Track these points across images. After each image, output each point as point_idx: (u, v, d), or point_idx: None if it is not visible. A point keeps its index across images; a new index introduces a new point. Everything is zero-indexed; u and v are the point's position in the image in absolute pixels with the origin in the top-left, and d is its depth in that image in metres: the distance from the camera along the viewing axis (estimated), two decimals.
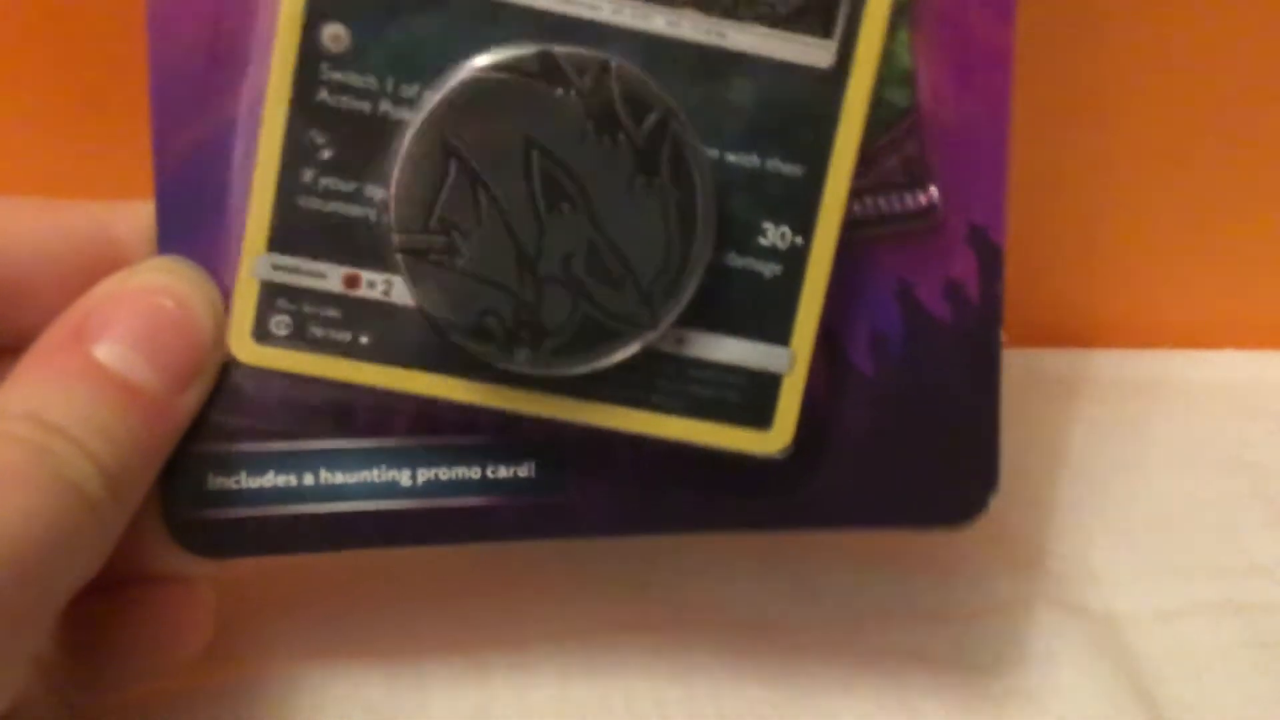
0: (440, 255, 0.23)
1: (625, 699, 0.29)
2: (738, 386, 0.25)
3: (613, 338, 0.24)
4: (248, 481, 0.26)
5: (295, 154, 0.24)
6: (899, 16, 0.25)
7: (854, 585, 0.32)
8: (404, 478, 0.26)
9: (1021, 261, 0.37)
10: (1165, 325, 0.40)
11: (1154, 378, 0.39)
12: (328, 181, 0.24)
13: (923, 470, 0.27)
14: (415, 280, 0.24)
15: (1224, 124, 0.37)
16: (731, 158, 0.24)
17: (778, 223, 0.24)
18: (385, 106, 0.24)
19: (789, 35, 0.24)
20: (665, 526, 0.27)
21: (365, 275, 0.24)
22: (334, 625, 0.30)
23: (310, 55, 0.23)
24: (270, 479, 0.26)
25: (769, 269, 0.25)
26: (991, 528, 0.33)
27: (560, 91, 0.23)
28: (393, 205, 0.23)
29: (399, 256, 0.24)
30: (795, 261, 0.25)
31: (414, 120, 0.23)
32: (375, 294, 0.24)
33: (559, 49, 0.23)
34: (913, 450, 0.27)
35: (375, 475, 0.26)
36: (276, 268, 0.24)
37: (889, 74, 0.25)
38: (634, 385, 0.25)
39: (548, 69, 0.23)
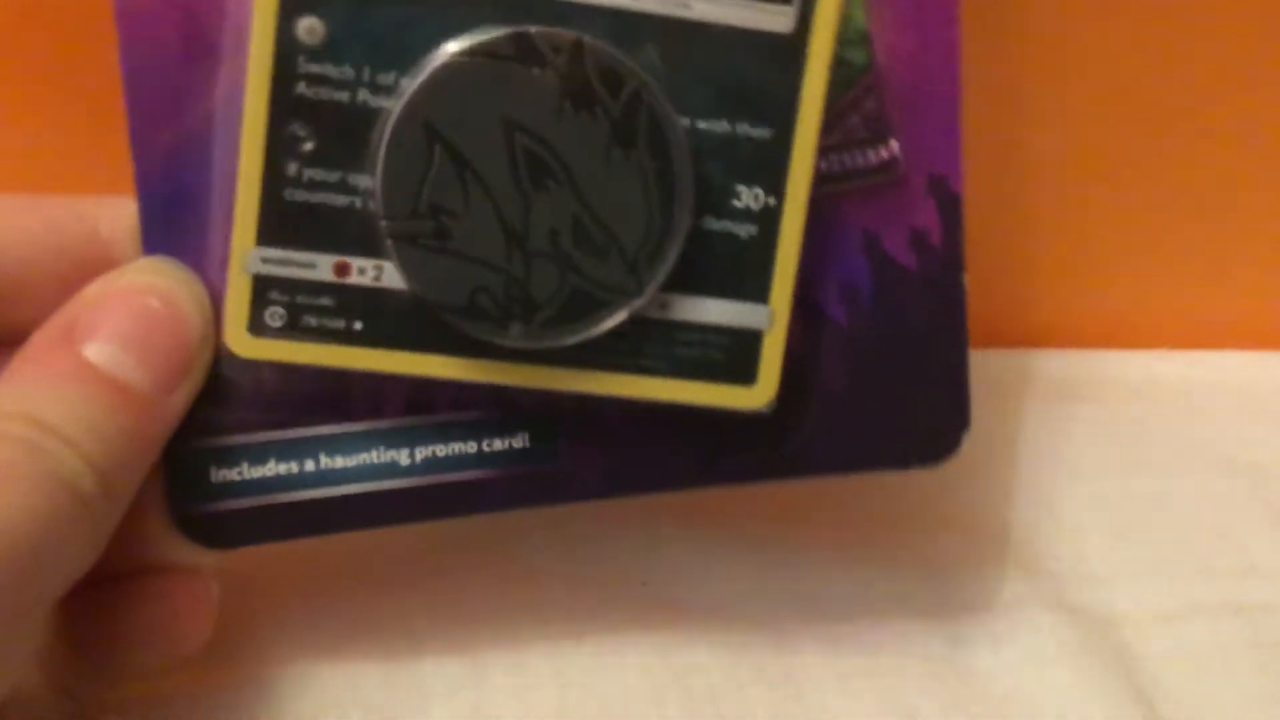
0: (430, 239, 0.24)
1: (624, 699, 0.29)
2: (721, 346, 0.26)
3: (601, 307, 0.25)
4: (249, 472, 0.26)
5: (278, 148, 0.24)
6: None
7: (852, 585, 0.32)
8: (402, 457, 0.26)
9: (1021, 262, 0.38)
10: (1165, 326, 0.40)
11: (1153, 378, 0.38)
12: (312, 173, 0.24)
13: (898, 414, 0.28)
14: (406, 265, 0.24)
15: (1223, 124, 0.37)
16: (703, 125, 0.25)
17: (750, 185, 0.25)
18: (364, 95, 0.24)
19: (750, 3, 0.25)
20: (659, 486, 0.27)
21: (355, 263, 0.25)
22: (332, 625, 0.30)
23: (287, 49, 0.24)
24: (271, 467, 0.26)
25: (745, 230, 0.25)
26: (990, 527, 0.34)
27: (536, 71, 0.24)
28: (379, 193, 0.24)
29: (389, 243, 0.24)
30: (769, 221, 0.25)
31: (394, 108, 0.24)
32: (366, 280, 0.25)
33: (533, 29, 0.24)
34: (888, 395, 0.28)
35: (374, 456, 0.26)
36: (267, 261, 0.24)
37: (846, 35, 0.26)
38: (622, 351, 0.26)
39: (523, 49, 0.24)
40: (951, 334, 0.28)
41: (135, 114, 0.25)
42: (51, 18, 0.32)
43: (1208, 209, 0.38)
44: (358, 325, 0.25)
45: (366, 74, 0.24)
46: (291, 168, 0.24)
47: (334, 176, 0.24)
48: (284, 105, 0.24)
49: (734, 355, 0.26)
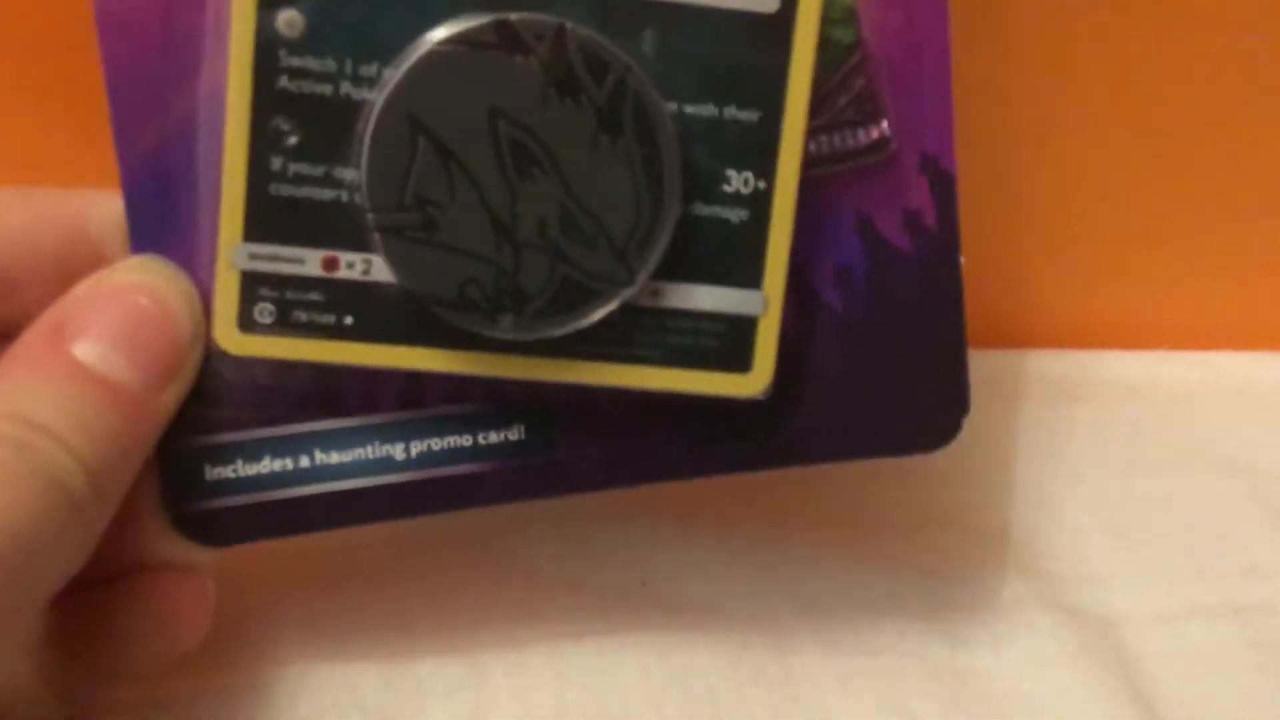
0: (417, 231, 0.24)
1: (622, 699, 0.29)
2: (715, 333, 0.26)
3: (592, 297, 0.25)
4: (244, 469, 0.26)
5: (262, 143, 0.24)
6: None
7: (852, 585, 0.32)
8: (397, 451, 0.26)
9: (1020, 262, 0.38)
10: (1164, 326, 0.39)
11: (1152, 379, 0.38)
12: (297, 167, 0.24)
13: (896, 399, 0.28)
14: (394, 258, 0.24)
15: (1223, 124, 0.37)
16: (690, 109, 0.25)
17: (740, 169, 0.25)
18: (347, 88, 0.24)
19: None
20: (656, 476, 0.27)
21: (343, 257, 0.24)
22: (330, 627, 0.30)
23: (267, 43, 0.23)
24: (266, 464, 0.26)
25: (735, 215, 0.25)
26: (990, 528, 0.34)
27: (519, 59, 0.23)
28: (365, 186, 0.24)
29: (376, 236, 0.24)
30: (760, 206, 0.25)
31: (377, 100, 0.24)
32: (355, 274, 0.25)
33: (514, 16, 0.23)
34: (885, 380, 0.27)
35: (369, 451, 0.26)
36: (254, 257, 0.24)
37: (832, 13, 0.26)
38: (615, 341, 0.25)
39: (505, 37, 0.23)
40: (949, 317, 0.27)
41: (118, 112, 0.25)
42: (39, 13, 0.32)
43: (1207, 209, 0.38)
44: (348, 320, 0.25)
45: (348, 66, 0.24)
46: (276, 162, 0.24)
47: (319, 170, 0.24)
48: (266, 100, 0.24)
49: (728, 342, 0.26)
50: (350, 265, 0.25)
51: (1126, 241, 0.39)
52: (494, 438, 0.26)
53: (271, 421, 0.26)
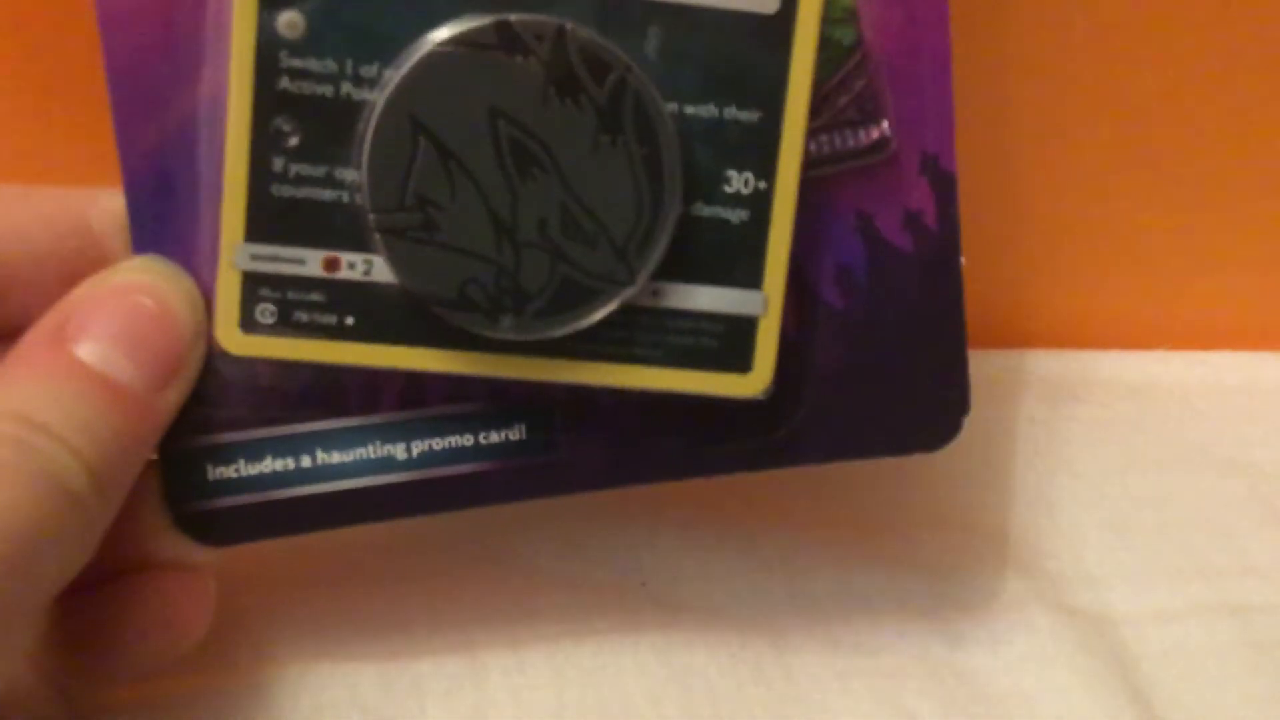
0: (418, 232, 0.24)
1: (622, 699, 0.29)
2: (715, 333, 0.26)
3: (592, 297, 0.25)
4: (246, 468, 0.26)
5: (263, 143, 0.24)
6: None
7: (850, 585, 0.32)
8: (399, 451, 0.26)
9: (1020, 262, 0.38)
10: (1163, 326, 0.40)
11: (1151, 379, 0.38)
12: (298, 168, 0.24)
13: (896, 398, 0.28)
14: (395, 258, 0.24)
15: (1223, 124, 0.37)
16: (690, 109, 0.25)
17: (740, 169, 0.25)
18: (347, 89, 0.24)
19: None
20: (656, 475, 0.27)
21: (344, 257, 0.25)
22: (330, 627, 0.30)
23: (268, 44, 0.24)
24: (268, 464, 0.26)
25: (736, 215, 0.25)
26: (989, 527, 0.34)
27: (520, 59, 0.24)
28: (366, 186, 0.24)
29: (377, 236, 0.24)
30: (760, 206, 0.25)
31: (378, 100, 0.24)
32: (356, 275, 0.25)
33: (514, 17, 0.23)
34: (885, 380, 0.27)
35: (370, 451, 0.26)
36: (256, 257, 0.24)
37: (833, 13, 0.26)
38: (615, 341, 0.25)
39: (505, 38, 0.23)
40: (949, 316, 0.27)
41: (120, 110, 0.25)
42: (39, 12, 0.32)
43: (1207, 209, 0.38)
44: (349, 320, 0.25)
45: (349, 67, 0.24)
46: (277, 163, 0.24)
47: (320, 171, 0.24)
48: (267, 100, 0.24)
49: (728, 342, 0.26)
50: (351, 266, 0.25)
51: (1126, 241, 0.39)
52: (495, 437, 0.27)
53: (273, 421, 0.26)
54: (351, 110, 0.24)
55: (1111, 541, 0.34)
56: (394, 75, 0.24)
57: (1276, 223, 0.39)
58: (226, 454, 0.26)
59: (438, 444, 0.26)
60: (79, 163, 0.29)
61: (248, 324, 0.25)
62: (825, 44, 0.25)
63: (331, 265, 0.25)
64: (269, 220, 0.24)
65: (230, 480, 0.26)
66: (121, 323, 0.24)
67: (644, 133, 0.24)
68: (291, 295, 0.25)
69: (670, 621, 0.31)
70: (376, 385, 0.26)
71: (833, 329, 0.27)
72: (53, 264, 0.25)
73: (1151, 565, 0.34)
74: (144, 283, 0.25)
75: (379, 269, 0.24)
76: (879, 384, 0.27)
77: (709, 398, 0.26)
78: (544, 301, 0.24)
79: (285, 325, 0.25)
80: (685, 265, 0.25)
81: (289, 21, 0.24)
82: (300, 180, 0.24)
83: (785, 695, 0.29)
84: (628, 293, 0.25)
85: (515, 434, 0.27)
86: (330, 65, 0.24)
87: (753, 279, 0.25)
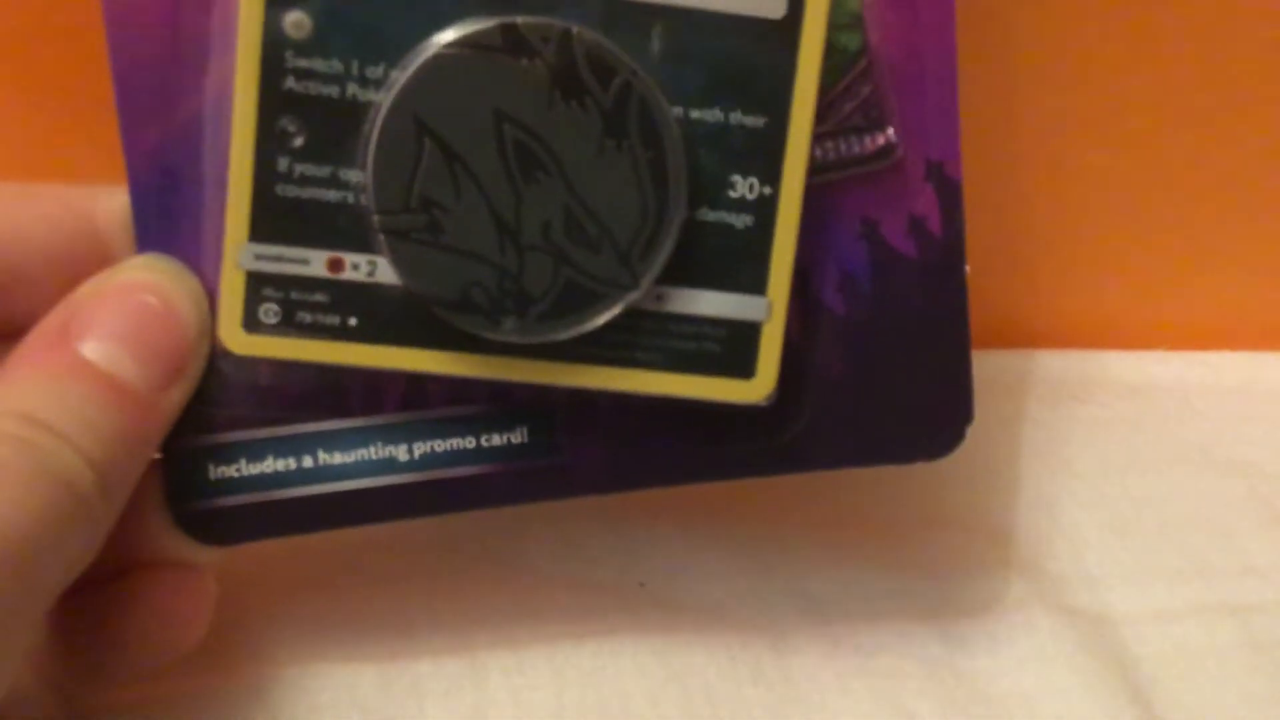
0: (422, 233, 0.24)
1: (621, 700, 0.29)
2: (719, 338, 0.26)
3: (596, 300, 0.25)
4: (248, 468, 0.26)
5: (268, 143, 0.24)
6: None
7: (849, 585, 0.32)
8: (401, 452, 0.26)
9: (1021, 262, 0.38)
10: (1163, 327, 0.40)
11: (1151, 379, 0.38)
12: (303, 168, 0.24)
13: (899, 406, 0.28)
14: (399, 260, 0.24)
15: (1222, 124, 0.37)
16: (696, 114, 0.25)
17: (745, 174, 0.25)
18: (353, 89, 0.24)
19: None
20: (658, 480, 0.27)
21: (348, 258, 0.25)
22: (329, 628, 0.30)
23: (274, 44, 0.24)
24: (269, 464, 0.26)
25: (740, 221, 0.25)
26: (989, 528, 0.34)
27: (525, 62, 0.24)
28: (371, 187, 0.24)
29: (381, 238, 0.24)
30: (765, 211, 0.25)
31: (384, 101, 0.24)
32: (359, 276, 0.25)
33: (520, 20, 0.23)
34: (888, 387, 0.27)
35: (373, 452, 0.26)
36: (260, 257, 0.24)
37: (839, 18, 0.26)
38: (618, 345, 0.25)
39: (511, 40, 0.23)
40: (953, 324, 0.27)
41: (125, 109, 0.25)
42: (44, 11, 0.32)
43: (1207, 209, 0.38)
44: (352, 321, 0.25)
45: (355, 68, 0.24)
46: (282, 163, 0.24)
47: (325, 171, 0.24)
48: (273, 101, 0.24)
49: (732, 348, 0.26)
50: (355, 266, 0.25)
51: (1127, 241, 0.39)
52: (497, 440, 0.27)
53: (275, 421, 0.26)
54: (357, 111, 0.24)
55: (1111, 541, 0.34)
56: (400, 76, 0.24)
57: (1276, 223, 0.39)
58: (228, 453, 0.26)
59: (440, 446, 0.26)
60: (83, 160, 0.29)
61: (251, 324, 0.25)
62: (831, 49, 0.25)
63: (335, 266, 0.25)
64: (273, 220, 0.24)
65: (231, 480, 0.26)
66: (126, 321, 0.24)
67: (649, 137, 0.24)
68: (295, 295, 0.25)
69: (669, 622, 0.31)
70: (379, 386, 0.26)
71: (836, 335, 0.27)
72: (57, 262, 0.25)
73: (1151, 565, 0.34)
74: (148, 281, 0.25)
75: (383, 270, 0.24)
76: (882, 391, 0.27)
77: (711, 403, 0.26)
78: (547, 305, 0.24)
79: (288, 325, 0.25)
80: (689, 270, 0.25)
81: (295, 21, 0.24)
82: (305, 181, 0.24)
83: (785, 696, 0.29)
84: (631, 297, 0.25)
85: (517, 437, 0.27)
86: (336, 66, 0.24)
87: (757, 284, 0.25)
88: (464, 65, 0.23)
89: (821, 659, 0.30)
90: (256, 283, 0.24)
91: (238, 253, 0.24)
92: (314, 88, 0.24)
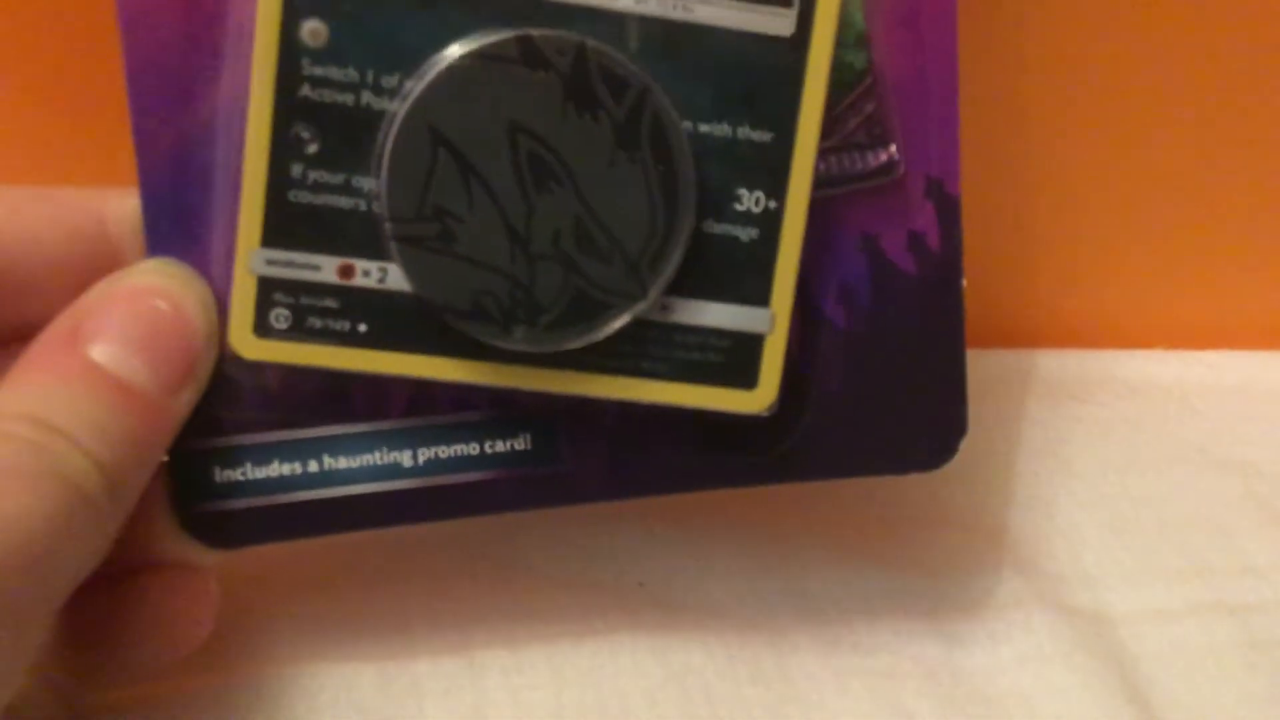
0: (434, 241, 0.24)
1: (620, 700, 0.29)
2: (723, 349, 0.26)
3: (605, 310, 0.25)
4: (253, 472, 0.26)
5: (282, 150, 0.24)
6: None
7: (847, 585, 0.32)
8: (405, 458, 0.26)
9: (1020, 262, 0.38)
10: (1162, 326, 0.40)
11: (1150, 379, 0.39)
12: (316, 175, 0.24)
13: (895, 418, 0.28)
14: (411, 267, 0.24)
15: (1222, 124, 0.37)
16: (704, 128, 0.25)
17: (752, 188, 0.25)
18: (368, 98, 0.24)
19: (751, 6, 0.25)
20: (659, 488, 0.28)
21: (359, 265, 0.25)
22: (328, 627, 0.30)
23: (290, 52, 0.24)
24: (275, 468, 0.26)
25: (746, 234, 0.26)
26: (987, 527, 0.34)
27: (540, 74, 0.24)
28: (383, 195, 0.24)
29: (393, 245, 0.24)
30: (770, 225, 0.26)
31: (399, 110, 0.24)
32: (370, 282, 0.25)
33: (536, 32, 0.24)
34: (884, 399, 0.28)
35: (377, 457, 0.26)
36: (271, 262, 0.24)
37: (846, 37, 0.26)
38: (624, 354, 0.26)
39: (526, 52, 0.24)
40: (949, 338, 0.28)
41: (138, 112, 0.25)
42: (55, 13, 0.32)
43: (1206, 210, 0.39)
44: (362, 327, 0.25)
45: (370, 76, 0.24)
46: (296, 170, 0.24)
47: (338, 179, 0.24)
48: (288, 107, 0.24)
49: (735, 358, 0.26)
50: (366, 273, 0.25)
51: (1127, 241, 0.39)
52: (501, 446, 0.27)
53: (281, 425, 0.26)
54: (371, 119, 0.24)
55: (1110, 541, 0.34)
56: (415, 86, 0.24)
57: (1276, 223, 0.39)
58: (234, 457, 0.26)
59: (444, 452, 0.27)
60: (94, 163, 0.29)
61: (261, 328, 0.25)
62: (838, 67, 0.26)
63: (346, 272, 0.25)
64: (286, 226, 0.24)
65: (237, 483, 0.26)
66: (136, 325, 0.24)
67: (660, 150, 0.24)
68: (305, 301, 0.25)
69: (668, 622, 0.31)
70: (385, 392, 0.26)
71: (835, 347, 0.27)
72: (67, 266, 0.25)
73: (1150, 564, 0.34)
74: (158, 285, 0.25)
75: (394, 277, 0.25)
76: (878, 403, 0.28)
77: (712, 413, 0.26)
78: (557, 314, 0.25)
79: (298, 330, 0.25)
80: (695, 281, 0.25)
81: (312, 30, 0.24)
82: (318, 187, 0.24)
83: (783, 695, 0.30)
84: (640, 307, 0.25)
85: (520, 443, 0.27)
86: (352, 74, 0.24)
87: (760, 296, 0.26)
88: (479, 76, 0.24)
89: (820, 658, 0.30)
90: (267, 288, 0.25)
91: (249, 258, 0.24)
92: (329, 95, 0.24)
